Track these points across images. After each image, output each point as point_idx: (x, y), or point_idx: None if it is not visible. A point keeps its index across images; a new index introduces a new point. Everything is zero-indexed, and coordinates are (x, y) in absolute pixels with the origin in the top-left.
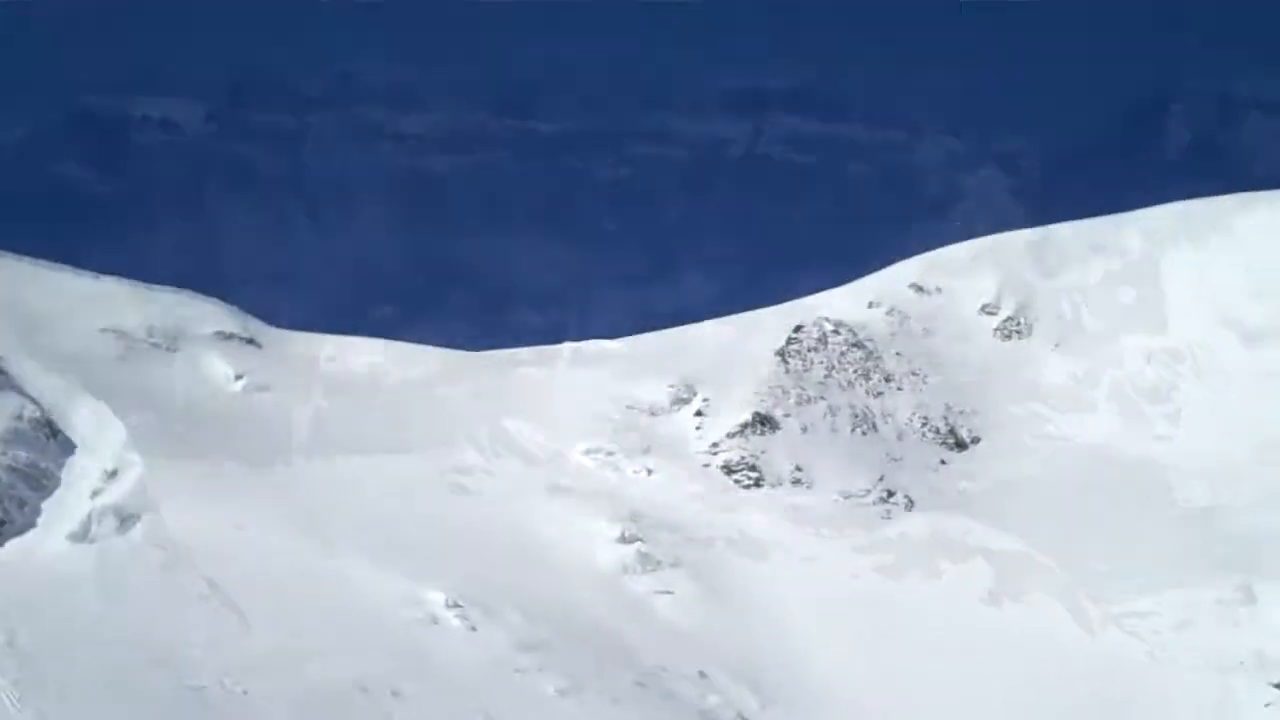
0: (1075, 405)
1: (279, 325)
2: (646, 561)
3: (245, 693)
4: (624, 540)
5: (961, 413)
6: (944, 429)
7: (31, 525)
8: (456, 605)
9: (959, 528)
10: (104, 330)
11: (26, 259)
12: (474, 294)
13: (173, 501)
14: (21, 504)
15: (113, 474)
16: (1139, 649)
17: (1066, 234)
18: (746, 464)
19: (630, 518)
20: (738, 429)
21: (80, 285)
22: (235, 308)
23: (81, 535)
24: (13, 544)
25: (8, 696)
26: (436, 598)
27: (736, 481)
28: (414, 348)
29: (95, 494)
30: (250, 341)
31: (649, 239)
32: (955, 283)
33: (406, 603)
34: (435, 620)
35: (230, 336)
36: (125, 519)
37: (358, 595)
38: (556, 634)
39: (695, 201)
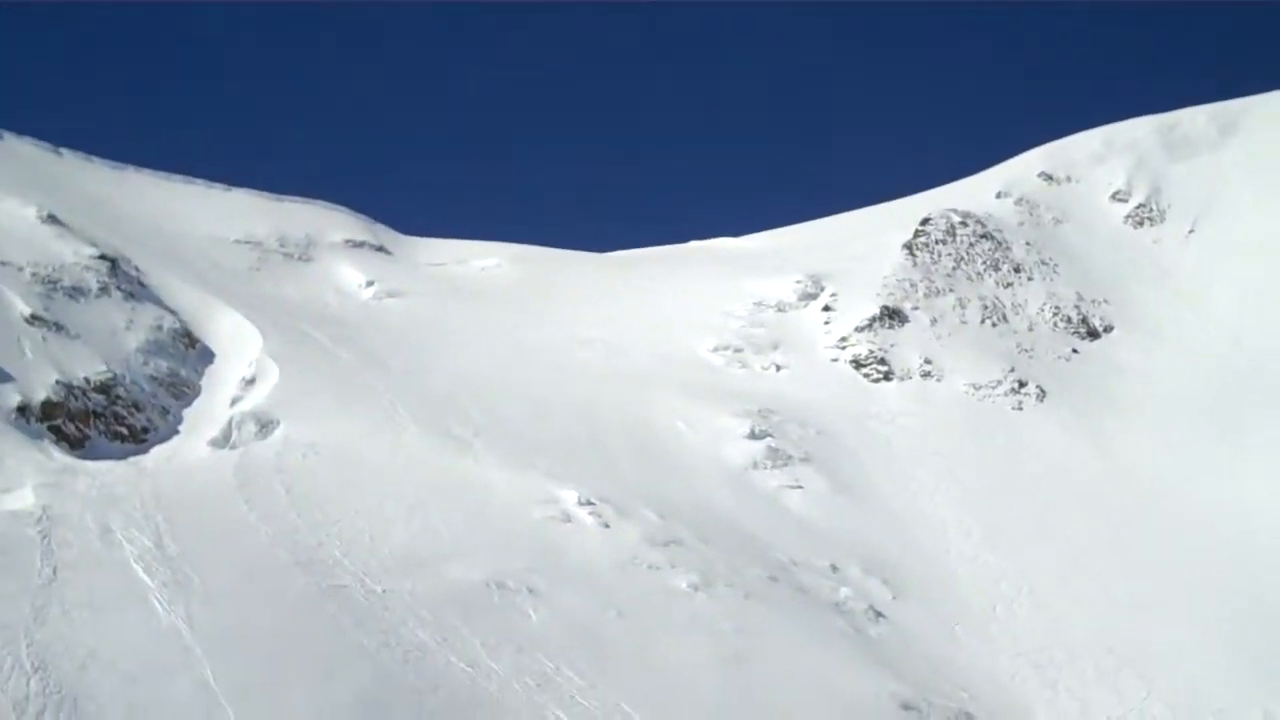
0: (1208, 292)
1: (407, 232)
2: (776, 457)
3: (384, 591)
4: (753, 436)
5: (1093, 301)
6: (1075, 318)
7: (174, 432)
8: (589, 503)
9: (1093, 418)
10: (238, 241)
11: (160, 173)
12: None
13: (309, 406)
14: (164, 412)
15: (250, 381)
16: None
17: (1198, 118)
18: (875, 358)
19: (759, 414)
20: (866, 323)
21: (212, 198)
22: (365, 216)
23: (223, 441)
24: (157, 450)
25: (157, 598)
26: (569, 496)
27: (865, 375)
28: (540, 250)
29: (234, 401)
30: (380, 249)
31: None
32: (1085, 170)
33: (540, 501)
34: (569, 518)
35: (360, 244)
36: (264, 425)
37: (491, 495)
38: (688, 530)
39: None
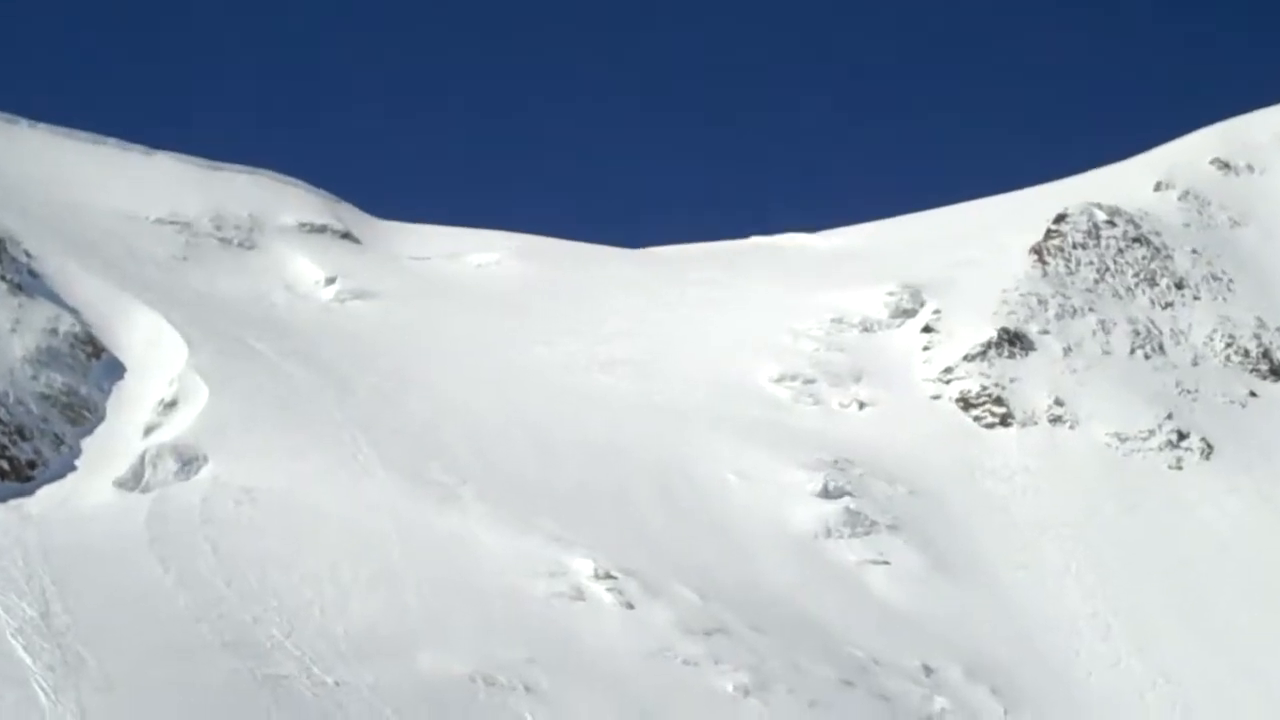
0: None
1: (382, 215)
2: (856, 522)
3: (337, 684)
4: (826, 494)
5: (1278, 330)
6: (1254, 351)
7: (70, 468)
8: (608, 576)
9: (1273, 481)
10: (160, 221)
11: (61, 129)
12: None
13: (246, 440)
14: (57, 441)
15: (171, 405)
16: None
17: None
18: (990, 396)
19: (835, 465)
20: (978, 350)
21: (128, 164)
22: (326, 193)
23: (132, 482)
24: (46, 492)
25: (40, 684)
26: (583, 565)
27: (976, 419)
28: (554, 243)
29: (149, 430)
30: (345, 235)
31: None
32: (1272, 157)
33: (545, 572)
34: (581, 595)
35: (319, 229)
36: (187, 462)
37: (481, 562)
38: (737, 615)
39: None
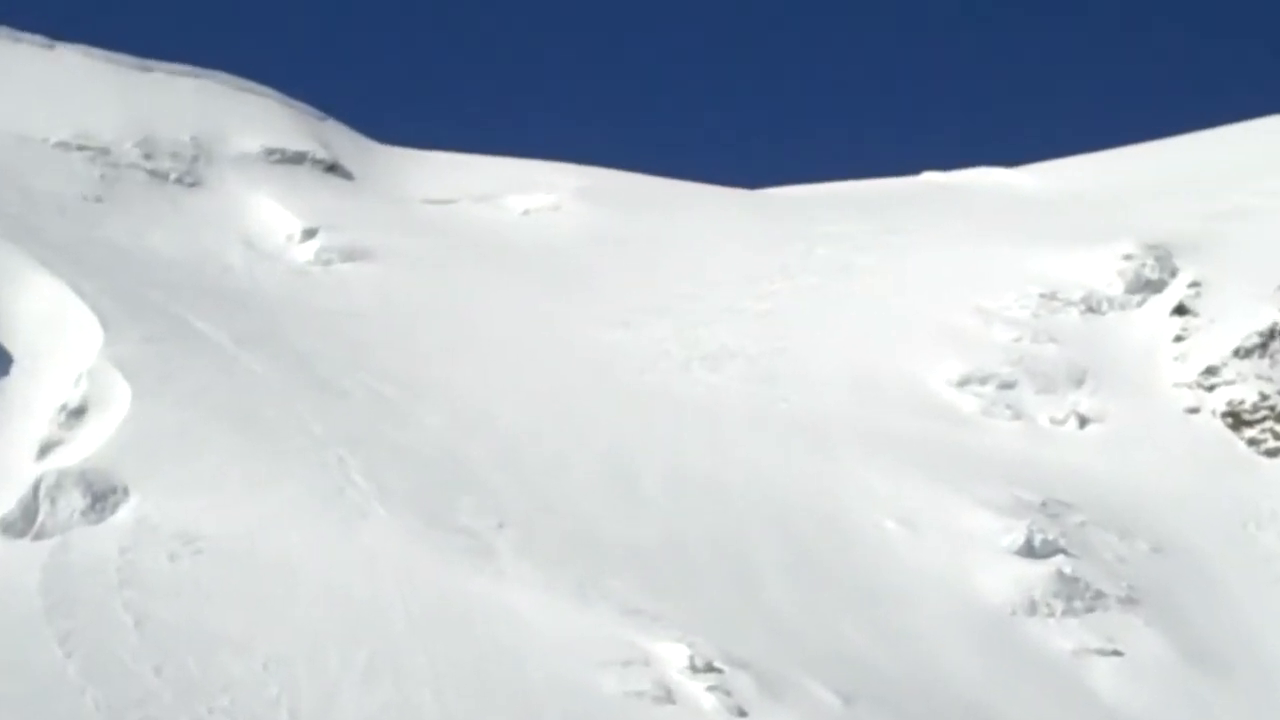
0: None
1: (383, 139)
2: (1074, 593)
3: None
4: (1032, 552)
5: None
6: None
7: None
8: (710, 668)
9: None
10: (65, 145)
11: None
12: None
13: (188, 465)
14: None
15: (78, 413)
16: None
17: None
18: (1273, 410)
19: (1044, 509)
20: (1256, 342)
21: (19, 59)
22: (304, 105)
23: (22, 524)
24: None
25: None
26: (672, 653)
27: (1252, 443)
28: (632, 179)
29: (47, 450)
30: (332, 168)
31: None
32: None
33: (615, 660)
34: (670, 696)
35: (296, 158)
36: (101, 497)
37: (523, 643)
38: None
39: None
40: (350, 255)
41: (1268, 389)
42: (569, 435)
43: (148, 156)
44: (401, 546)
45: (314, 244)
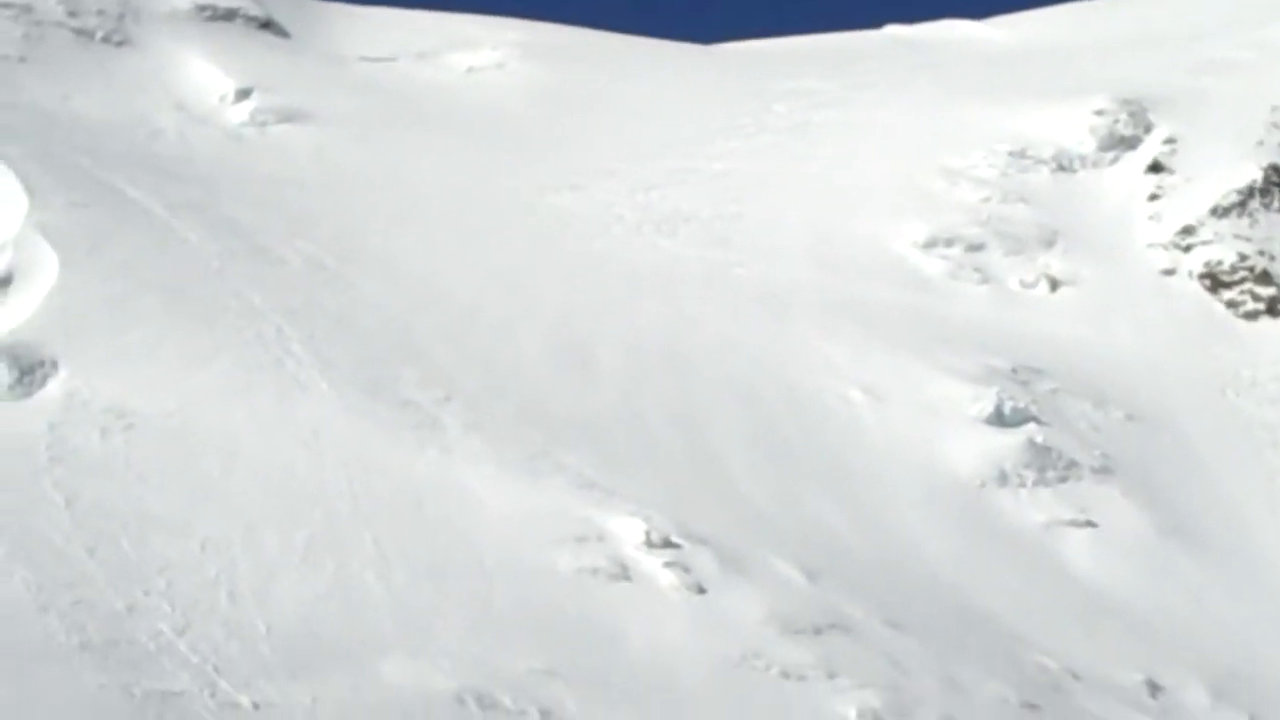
0: None
1: None
2: (1046, 463)
3: (256, 707)
4: (1002, 421)
5: None
6: None
7: None
8: (667, 544)
9: None
10: None
11: None
12: None
13: (119, 338)
14: None
15: (3, 283)
16: None
17: None
18: (1252, 270)
19: (1015, 376)
20: (1235, 200)
21: None
22: None
23: None
24: None
25: None
26: (628, 528)
27: (1231, 306)
28: (581, 35)
29: None
30: (266, 25)
31: None
32: None
33: (568, 537)
34: (625, 573)
35: (228, 14)
36: (26, 370)
37: (473, 521)
38: (864, 604)
39: None
40: (286, 117)
41: (1247, 249)
42: (518, 304)
43: (73, 14)
44: (344, 421)
45: (248, 105)
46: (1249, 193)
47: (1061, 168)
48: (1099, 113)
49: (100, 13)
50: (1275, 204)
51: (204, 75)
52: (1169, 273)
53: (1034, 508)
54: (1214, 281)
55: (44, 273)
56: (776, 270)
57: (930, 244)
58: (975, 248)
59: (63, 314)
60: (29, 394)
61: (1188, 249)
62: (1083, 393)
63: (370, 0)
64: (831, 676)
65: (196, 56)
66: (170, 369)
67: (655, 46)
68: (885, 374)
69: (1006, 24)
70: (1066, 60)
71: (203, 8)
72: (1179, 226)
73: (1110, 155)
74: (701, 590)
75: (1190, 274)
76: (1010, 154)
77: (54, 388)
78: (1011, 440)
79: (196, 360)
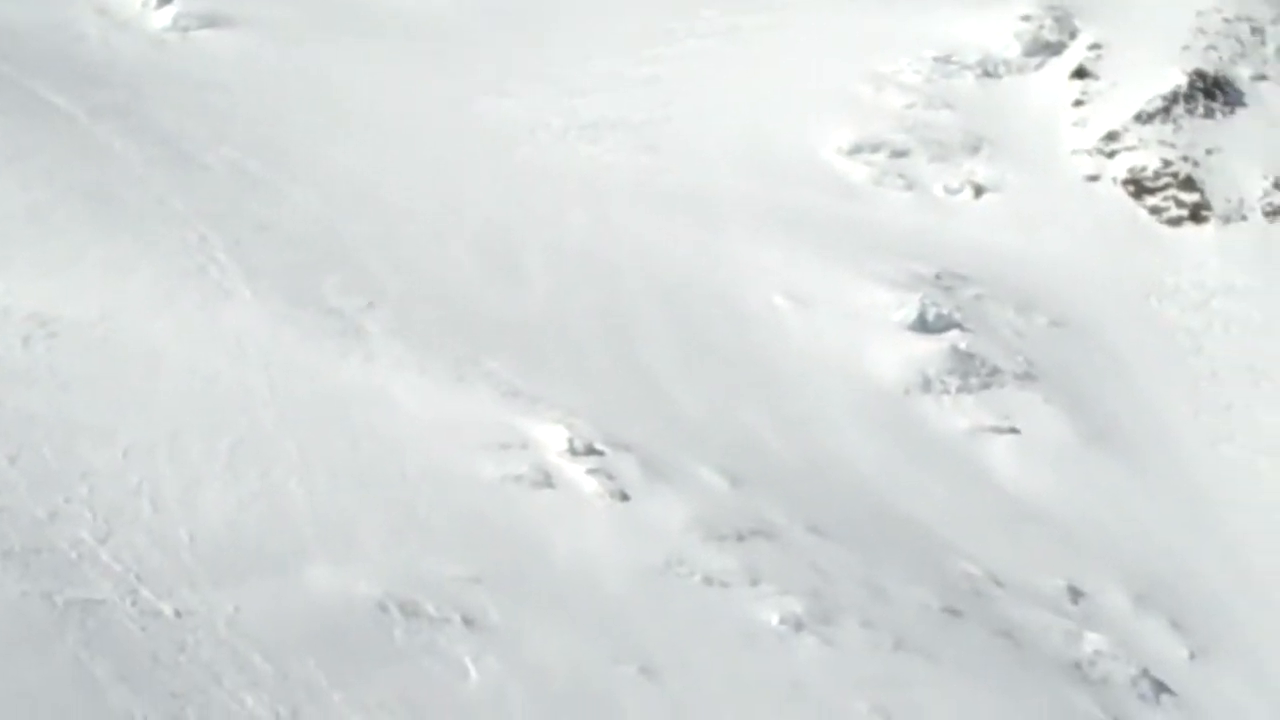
0: None
1: None
2: (970, 369)
3: (179, 615)
4: (925, 327)
5: None
6: None
7: None
8: (590, 451)
9: None
10: None
11: None
12: None
13: (39, 245)
14: None
15: None
16: None
17: None
18: (1175, 176)
19: (939, 282)
20: (1159, 106)
21: None
22: None
23: None
24: None
25: None
26: (551, 435)
27: (1154, 212)
28: None
29: None
30: None
31: None
32: None
33: (491, 444)
34: (549, 480)
35: None
36: None
37: (396, 428)
38: (787, 511)
39: None
40: (210, 22)
41: (1171, 155)
42: (444, 211)
43: None
44: (268, 328)
45: (170, 10)
46: (1173, 99)
47: (987, 74)
48: (1024, 18)
49: None
50: (1200, 110)
51: None
52: (1093, 179)
53: (957, 414)
54: (1138, 188)
55: None
56: (703, 175)
57: (856, 150)
58: (900, 154)
59: None
60: None
61: (1112, 155)
62: (1007, 299)
63: None
64: (754, 583)
65: None
66: (93, 277)
67: None
68: (811, 280)
69: None
70: None
71: None
72: (1103, 132)
73: (1035, 61)
74: (625, 497)
75: (1114, 180)
76: (935, 59)
77: None
78: (935, 347)
79: (120, 268)
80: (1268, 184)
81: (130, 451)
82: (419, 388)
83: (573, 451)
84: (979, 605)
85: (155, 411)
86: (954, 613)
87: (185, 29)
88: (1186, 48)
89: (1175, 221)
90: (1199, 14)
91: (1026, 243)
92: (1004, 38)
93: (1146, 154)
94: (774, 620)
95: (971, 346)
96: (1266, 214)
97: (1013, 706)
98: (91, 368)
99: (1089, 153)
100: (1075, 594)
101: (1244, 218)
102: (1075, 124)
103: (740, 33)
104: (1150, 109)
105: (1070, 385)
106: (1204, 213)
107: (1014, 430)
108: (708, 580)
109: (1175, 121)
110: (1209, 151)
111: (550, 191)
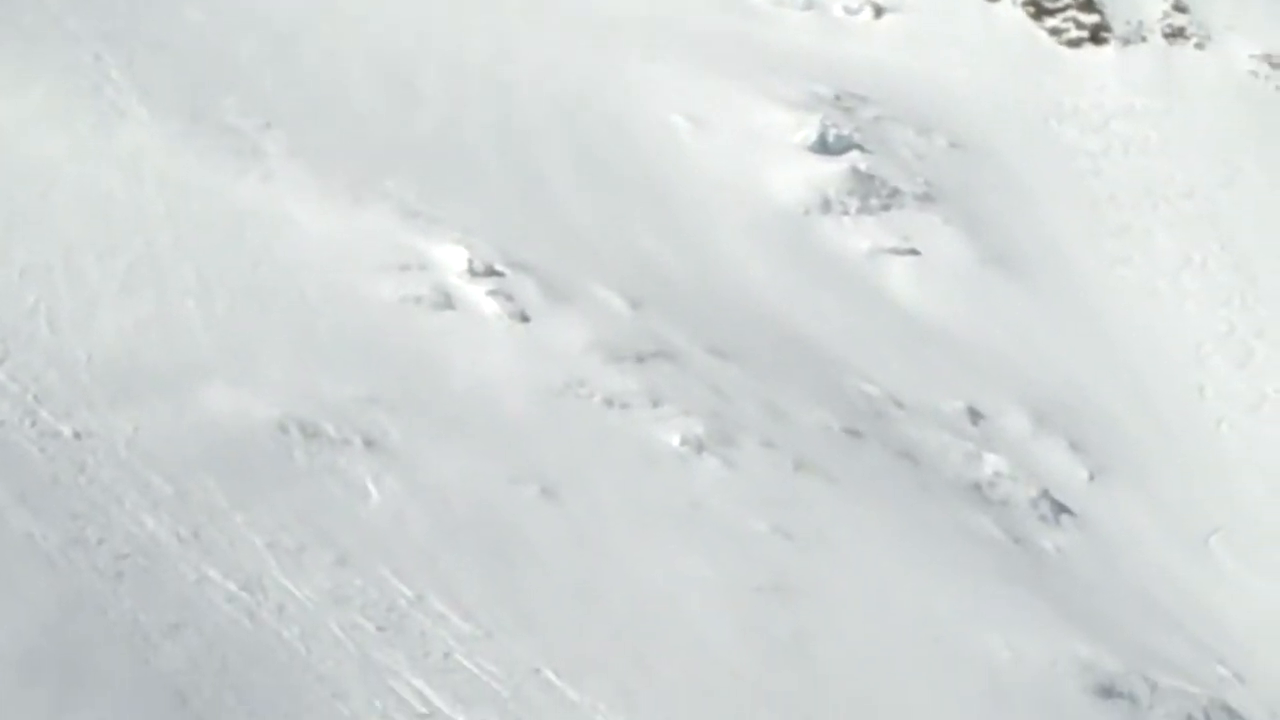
0: None
1: None
2: (870, 190)
3: (78, 436)
4: (825, 148)
5: None
6: None
7: None
8: (490, 272)
9: None
10: None
11: None
12: None
13: None
14: None
15: None
16: None
17: None
18: None
19: (838, 103)
20: None
21: None
22: None
23: None
24: None
25: None
26: (451, 256)
27: (1054, 33)
28: None
29: None
30: None
31: None
32: None
33: (391, 264)
34: (448, 301)
35: None
36: None
37: (294, 249)
38: (687, 332)
39: None
40: None
41: None
42: (340, 30)
43: None
44: (164, 148)
45: None
46: None
47: None
48: None
49: None
50: None
51: None
52: (993, 0)
53: (857, 235)
54: (1037, 9)
55: None
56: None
57: None
58: None
59: None
60: None
61: None
62: (906, 120)
63: None
64: (655, 404)
65: None
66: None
67: None
68: (710, 101)
69: None
70: None
71: None
72: None
73: None
74: (525, 318)
75: (1014, 2)
76: None
77: None
78: (835, 168)
79: (12, 88)
80: (1167, 6)
81: (26, 272)
82: (317, 208)
83: (472, 272)
84: (879, 426)
85: (50, 232)
86: (854, 434)
87: None
88: None
89: (1075, 43)
90: None
91: (926, 64)
92: None
93: None
94: (675, 441)
95: (871, 168)
96: (1166, 36)
97: (913, 526)
98: None
99: None
100: (975, 415)
101: (1143, 39)
102: None
103: None
104: None
105: (970, 207)
106: (1104, 34)
107: (914, 251)
108: (608, 402)
109: None
110: None
111: (446, 9)
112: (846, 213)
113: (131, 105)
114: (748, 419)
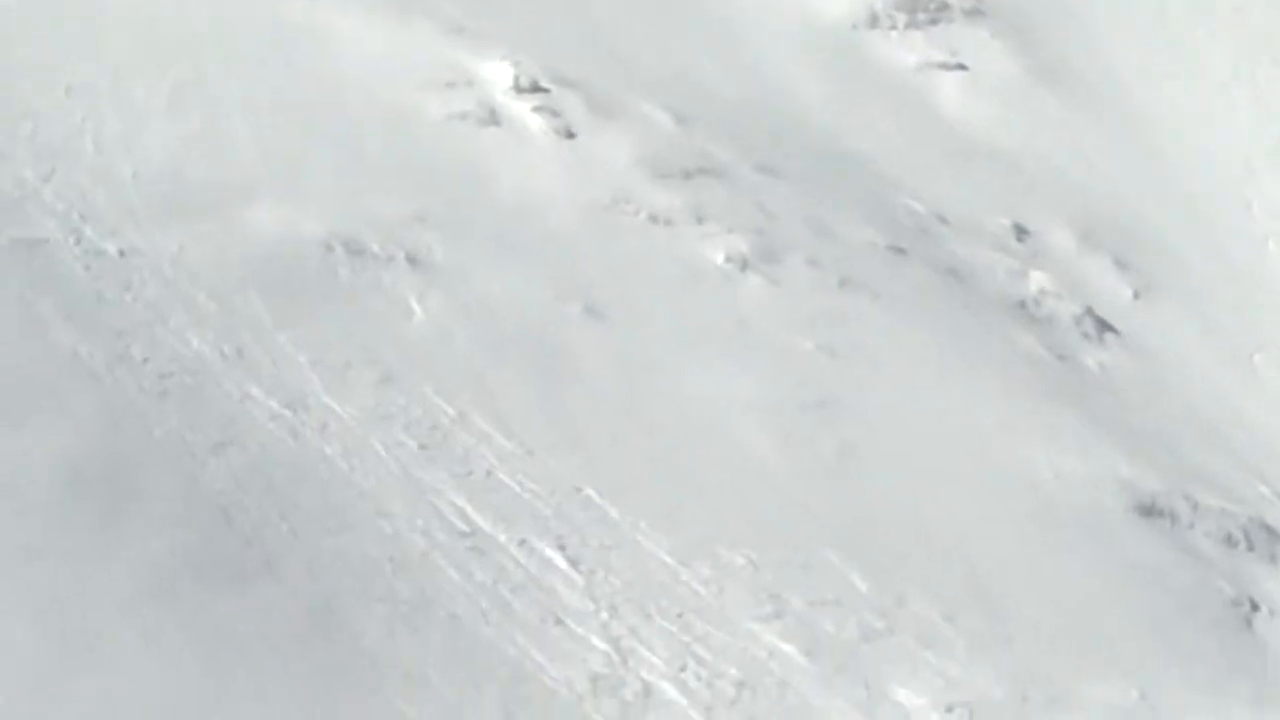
0: None
1: None
2: (918, 4)
3: (123, 254)
4: None
5: None
6: None
7: None
8: (536, 88)
9: None
10: None
11: None
12: None
13: None
14: None
15: None
16: None
17: None
18: None
19: None
20: None
21: None
22: None
23: None
24: None
25: None
26: (497, 72)
27: None
28: None
29: None
30: None
31: None
32: None
33: (437, 82)
34: (494, 117)
35: None
36: None
37: (340, 67)
38: (732, 149)
39: None
40: None
41: None
42: None
43: None
44: None
45: None
46: None
47: None
48: None
49: None
50: None
51: None
52: None
53: (905, 49)
54: None
55: None
56: None
57: None
58: None
59: None
60: None
61: None
62: None
63: None
64: (700, 220)
65: None
66: None
67: None
68: None
69: None
70: None
71: None
72: None
73: None
74: (570, 134)
75: None
76: None
77: None
78: None
79: None
80: None
81: (72, 91)
82: (363, 25)
83: (518, 89)
84: (924, 243)
85: (97, 52)
86: (899, 250)
87: None
88: None
89: None
90: None
91: None
92: None
93: None
94: (719, 258)
95: None
96: None
97: (957, 343)
98: (32, 9)
99: None
100: (1020, 231)
101: None
102: None
103: None
104: None
105: (1018, 21)
106: None
107: (961, 66)
108: (653, 218)
109: None
110: None
111: None
112: (894, 27)
113: None
114: (792, 236)
